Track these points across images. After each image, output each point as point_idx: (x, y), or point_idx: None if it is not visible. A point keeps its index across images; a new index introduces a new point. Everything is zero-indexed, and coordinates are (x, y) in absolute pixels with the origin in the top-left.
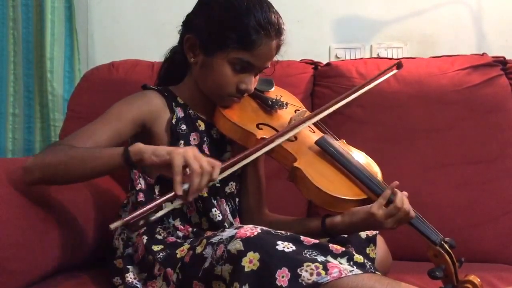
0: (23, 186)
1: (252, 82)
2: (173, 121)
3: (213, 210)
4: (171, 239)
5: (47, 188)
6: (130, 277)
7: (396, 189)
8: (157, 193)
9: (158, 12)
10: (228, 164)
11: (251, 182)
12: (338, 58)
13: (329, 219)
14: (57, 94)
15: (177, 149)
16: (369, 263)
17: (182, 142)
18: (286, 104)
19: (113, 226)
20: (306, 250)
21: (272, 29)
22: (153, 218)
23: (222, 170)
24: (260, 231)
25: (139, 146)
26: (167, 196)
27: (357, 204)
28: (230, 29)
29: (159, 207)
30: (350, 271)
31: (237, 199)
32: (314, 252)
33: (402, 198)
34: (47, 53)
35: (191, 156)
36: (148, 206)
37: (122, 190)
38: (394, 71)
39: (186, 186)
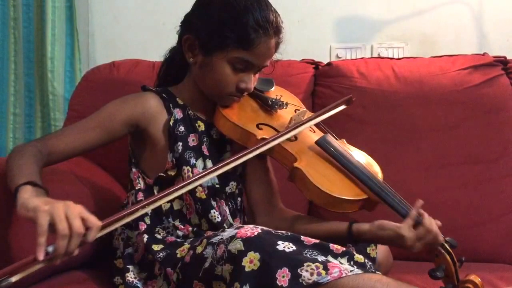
0: None
1: (252, 81)
2: (171, 122)
3: (212, 211)
4: (171, 238)
5: (47, 187)
6: (131, 276)
7: (421, 210)
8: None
9: (158, 12)
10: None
11: (260, 177)
12: (339, 58)
13: (356, 226)
14: (57, 93)
15: (45, 206)
16: (370, 263)
17: (180, 143)
18: (286, 104)
19: None
20: (306, 250)
21: (270, 28)
22: (5, 283)
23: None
24: (260, 231)
25: (22, 191)
26: (25, 260)
27: (358, 204)
28: (228, 29)
29: (15, 270)
30: (351, 271)
31: (238, 199)
32: (314, 252)
33: (430, 219)
34: (48, 53)
35: (59, 214)
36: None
37: (122, 189)
38: (343, 107)
39: (51, 248)
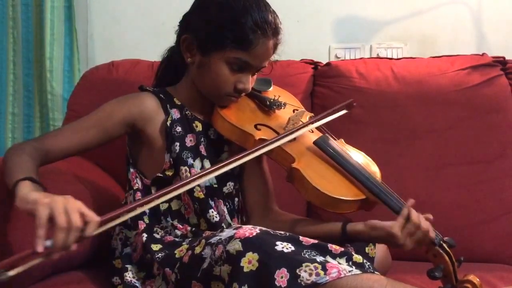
0: None
1: (250, 82)
2: (168, 123)
3: (210, 211)
4: (170, 238)
5: (46, 187)
6: (129, 276)
7: (410, 208)
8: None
9: (158, 12)
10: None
11: (256, 179)
12: (338, 58)
13: (350, 226)
14: (56, 93)
15: (45, 199)
16: (368, 263)
17: (177, 144)
18: (284, 104)
19: None
20: (305, 251)
21: (269, 29)
22: (3, 278)
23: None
24: (259, 231)
25: (21, 185)
26: (23, 253)
27: (356, 204)
28: (227, 29)
29: (13, 263)
30: (349, 271)
31: (236, 199)
32: (313, 252)
33: (418, 216)
34: (47, 53)
35: (58, 207)
36: None
37: (121, 189)
38: (344, 111)
39: (49, 242)
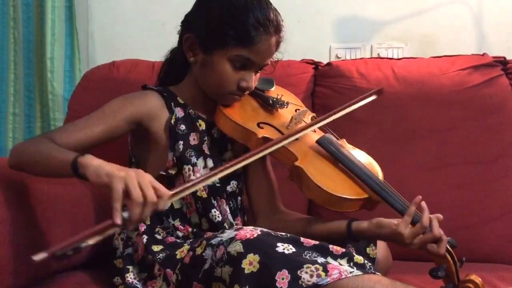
0: (24, 185)
1: (253, 79)
2: (172, 121)
3: (213, 210)
4: (171, 239)
5: (47, 187)
6: (130, 277)
7: (423, 205)
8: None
9: (158, 12)
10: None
11: (261, 178)
12: (339, 58)
13: (355, 224)
14: (57, 93)
15: (120, 172)
16: (369, 264)
17: (181, 142)
18: (287, 103)
19: (37, 258)
20: (306, 252)
21: (271, 26)
22: (84, 245)
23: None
24: (260, 232)
25: (88, 158)
26: (103, 224)
27: (358, 203)
28: (229, 27)
29: (94, 234)
30: (350, 272)
31: (239, 198)
32: (314, 254)
33: (430, 218)
34: (48, 53)
35: (133, 182)
36: (80, 236)
37: None
38: (374, 97)
39: (126, 214)
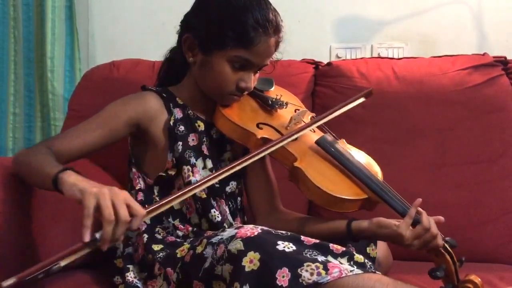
0: (23, 185)
1: (252, 80)
2: (171, 122)
3: (212, 211)
4: (171, 238)
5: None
6: (131, 276)
7: (420, 209)
8: (156, 193)
9: (158, 12)
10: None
11: (261, 178)
12: (339, 58)
13: (355, 224)
14: (57, 93)
15: (93, 189)
16: (370, 263)
17: (180, 143)
18: (286, 103)
19: (5, 284)
20: (306, 250)
21: (270, 26)
22: (56, 268)
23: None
24: (260, 231)
25: (66, 174)
26: (75, 246)
27: (358, 203)
28: (228, 28)
29: (65, 256)
30: (351, 271)
31: (238, 198)
32: (314, 252)
33: (428, 218)
34: (48, 52)
35: (105, 199)
36: (51, 259)
37: (123, 189)
38: (362, 99)
39: (98, 235)
